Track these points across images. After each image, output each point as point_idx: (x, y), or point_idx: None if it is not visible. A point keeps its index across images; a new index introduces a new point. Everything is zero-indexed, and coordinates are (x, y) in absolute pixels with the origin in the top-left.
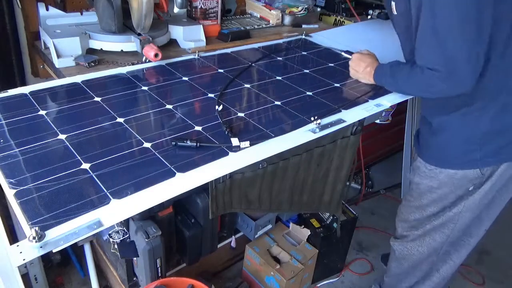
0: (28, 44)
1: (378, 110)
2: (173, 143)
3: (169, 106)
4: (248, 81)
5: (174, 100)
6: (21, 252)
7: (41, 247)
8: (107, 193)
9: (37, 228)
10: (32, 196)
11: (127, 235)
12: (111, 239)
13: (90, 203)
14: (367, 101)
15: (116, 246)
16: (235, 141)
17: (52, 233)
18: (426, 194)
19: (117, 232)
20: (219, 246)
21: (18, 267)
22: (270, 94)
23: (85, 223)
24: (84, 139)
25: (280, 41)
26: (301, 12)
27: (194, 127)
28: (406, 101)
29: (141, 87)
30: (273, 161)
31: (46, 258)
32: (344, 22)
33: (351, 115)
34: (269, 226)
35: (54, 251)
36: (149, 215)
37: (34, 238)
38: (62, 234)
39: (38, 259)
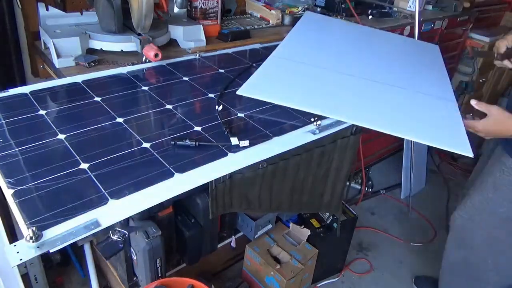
0: (28, 44)
1: None
2: (172, 142)
3: (169, 106)
4: None
5: (174, 100)
6: (18, 252)
7: (38, 247)
8: (105, 193)
9: (34, 228)
10: (30, 195)
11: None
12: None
13: (88, 203)
14: None
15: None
16: (234, 141)
17: (50, 233)
18: None
19: (119, 232)
20: (219, 246)
21: (18, 267)
22: None
23: (83, 223)
24: (83, 139)
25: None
26: (301, 12)
27: (194, 127)
28: None
29: (141, 87)
30: (273, 161)
31: (46, 258)
32: None
33: None
34: (269, 226)
35: (51, 251)
36: (149, 215)
37: (31, 238)
38: (59, 234)
39: (38, 259)
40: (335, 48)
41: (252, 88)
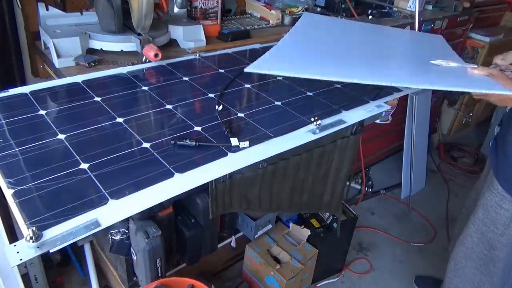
0: (28, 44)
1: (379, 111)
2: (172, 142)
3: (169, 106)
4: (248, 81)
5: (174, 100)
6: (18, 252)
7: (38, 247)
8: (105, 193)
9: (34, 228)
10: (30, 196)
11: (126, 235)
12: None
13: (88, 203)
14: (367, 102)
15: (110, 244)
16: (234, 141)
17: (50, 233)
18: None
19: (118, 231)
20: (219, 246)
21: (18, 267)
22: (270, 94)
23: (83, 223)
24: (83, 139)
25: None
26: (301, 12)
27: (194, 127)
28: (406, 101)
29: (141, 87)
30: (273, 161)
31: (46, 258)
32: None
33: (352, 116)
34: (269, 226)
35: (51, 251)
36: (149, 215)
37: (31, 238)
38: (59, 234)
39: (38, 259)
40: (336, 49)
41: (259, 65)
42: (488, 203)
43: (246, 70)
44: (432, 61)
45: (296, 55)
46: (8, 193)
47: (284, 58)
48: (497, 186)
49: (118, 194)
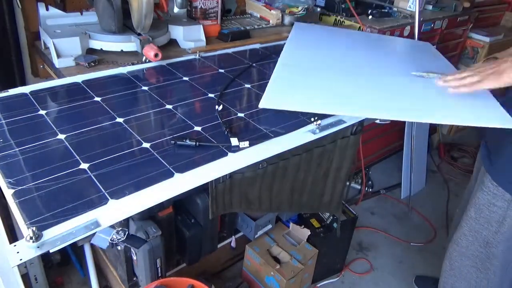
0: (28, 44)
1: None
2: (172, 142)
3: (169, 106)
4: (248, 81)
5: (174, 100)
6: (18, 252)
7: (38, 247)
8: (105, 193)
9: (34, 228)
10: (30, 196)
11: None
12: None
13: (88, 203)
14: None
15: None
16: (234, 141)
17: (50, 233)
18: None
19: (118, 232)
20: (219, 246)
21: (18, 267)
22: None
23: (82, 223)
24: (83, 139)
25: (282, 42)
26: (301, 12)
27: (194, 127)
28: None
29: (141, 87)
30: (273, 161)
31: (46, 258)
32: (344, 22)
33: (352, 116)
34: (269, 226)
35: (51, 251)
36: (149, 215)
37: (31, 238)
38: (59, 234)
39: (38, 259)
40: (332, 56)
41: (272, 99)
42: (480, 202)
43: (260, 106)
44: (413, 73)
45: (303, 84)
46: (8, 193)
47: (293, 88)
48: (488, 185)
49: (118, 194)
